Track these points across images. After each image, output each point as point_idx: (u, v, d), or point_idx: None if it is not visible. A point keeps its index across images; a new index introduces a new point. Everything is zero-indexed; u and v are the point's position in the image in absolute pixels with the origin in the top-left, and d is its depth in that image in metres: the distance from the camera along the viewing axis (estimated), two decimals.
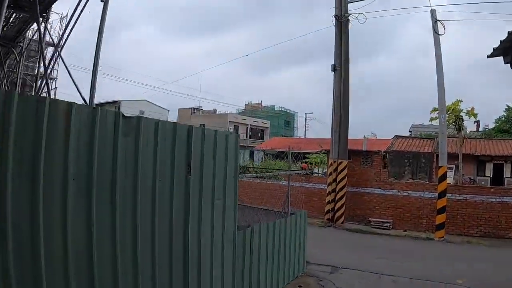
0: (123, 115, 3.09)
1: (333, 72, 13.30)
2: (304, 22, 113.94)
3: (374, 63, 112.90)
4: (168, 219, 3.55)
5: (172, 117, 56.44)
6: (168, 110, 59.80)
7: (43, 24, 13.21)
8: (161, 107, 58.30)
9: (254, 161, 35.87)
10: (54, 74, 24.97)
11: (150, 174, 3.35)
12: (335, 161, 13.49)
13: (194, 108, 55.92)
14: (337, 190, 13.24)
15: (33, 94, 24.78)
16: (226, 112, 54.59)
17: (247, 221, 8.02)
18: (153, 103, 57.28)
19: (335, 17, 13.28)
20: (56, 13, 24.89)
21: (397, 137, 26.00)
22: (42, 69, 25.41)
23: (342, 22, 13.19)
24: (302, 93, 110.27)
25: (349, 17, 13.18)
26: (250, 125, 52.13)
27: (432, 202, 12.24)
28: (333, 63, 13.20)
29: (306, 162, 16.30)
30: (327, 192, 13.65)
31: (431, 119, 17.76)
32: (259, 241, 5.43)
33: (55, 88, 24.45)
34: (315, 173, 15.92)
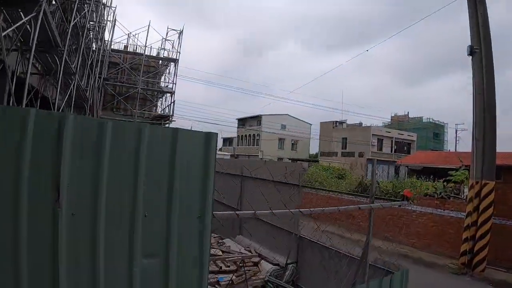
0: None
1: (470, 58, 9.58)
2: (452, 27, 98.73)
3: None
4: None
5: (315, 131, 55.42)
6: (311, 124, 59.15)
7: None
8: (303, 121, 57.97)
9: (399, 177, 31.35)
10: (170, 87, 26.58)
11: None
12: (477, 182, 9.61)
13: (336, 122, 53.63)
14: (478, 223, 9.32)
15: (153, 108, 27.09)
16: (371, 125, 50.51)
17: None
18: (295, 117, 57.39)
19: None
20: (174, 30, 26.78)
21: None
22: (161, 84, 27.71)
23: None
24: (453, 103, 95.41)
25: None
26: (395, 138, 46.75)
27: None
28: (470, 44, 9.48)
29: (450, 181, 12.45)
30: (465, 225, 9.81)
31: None
32: None
33: (174, 101, 25.77)
34: (456, 196, 11.90)
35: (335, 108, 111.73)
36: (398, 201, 9.87)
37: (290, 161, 42.05)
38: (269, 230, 7.68)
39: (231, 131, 60.23)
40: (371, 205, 3.84)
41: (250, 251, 7.61)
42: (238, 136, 61.02)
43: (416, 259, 10.44)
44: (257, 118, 55.95)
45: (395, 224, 12.62)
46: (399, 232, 11.92)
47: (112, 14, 24.11)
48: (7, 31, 6.37)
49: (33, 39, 6.49)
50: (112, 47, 25.41)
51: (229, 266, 5.96)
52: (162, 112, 27.16)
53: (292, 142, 55.35)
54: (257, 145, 54.13)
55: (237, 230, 9.80)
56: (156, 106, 28.36)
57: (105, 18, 21.33)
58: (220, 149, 58.27)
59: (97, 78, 20.19)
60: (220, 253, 6.78)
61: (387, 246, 8.42)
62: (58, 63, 7.67)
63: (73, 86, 10.16)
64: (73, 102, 10.42)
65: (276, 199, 7.98)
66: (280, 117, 54.99)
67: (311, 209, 3.31)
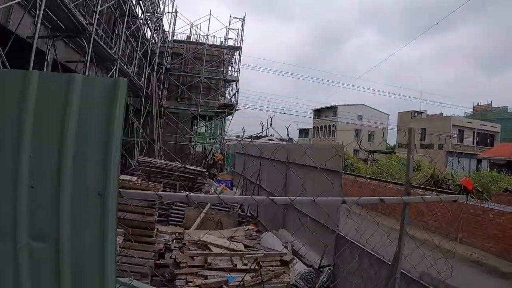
0: None
1: None
2: None
3: None
4: None
5: (393, 122, 52.47)
6: (388, 114, 56.27)
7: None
8: (380, 111, 55.30)
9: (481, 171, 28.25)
10: (235, 75, 26.28)
11: None
12: None
13: (415, 111, 50.12)
14: None
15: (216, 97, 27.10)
16: (451, 115, 46.29)
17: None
18: (371, 107, 55.17)
19: None
20: (237, 18, 26.32)
21: None
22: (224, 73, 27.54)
23: None
24: None
25: None
26: (477, 129, 42.12)
27: None
28: None
29: None
30: None
31: None
32: None
33: (238, 89, 25.51)
34: None
35: (414, 97, 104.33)
36: (453, 194, 8.35)
37: (366, 153, 40.12)
38: (309, 225, 6.85)
39: (307, 122, 59.79)
40: (402, 197, 2.86)
41: (286, 248, 6.85)
42: (314, 127, 60.17)
43: (490, 268, 8.82)
44: (332, 109, 54.81)
45: (469, 224, 10.91)
46: (463, 230, 10.21)
47: (171, 5, 24.45)
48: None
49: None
50: (175, 37, 25.86)
51: (246, 264, 5.27)
52: (228, 101, 27.12)
53: (369, 133, 52.79)
54: (333, 136, 52.69)
55: (281, 222, 9.09)
56: (223, 95, 28.44)
57: (162, 9, 21.60)
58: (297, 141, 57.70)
59: (156, 68, 20.60)
60: (242, 247, 6.12)
61: (453, 249, 7.08)
62: (86, 47, 7.55)
63: (115, 71, 10.18)
64: None
65: (319, 189, 7.12)
66: (356, 107, 53.34)
67: (355, 197, 2.49)
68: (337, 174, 6.07)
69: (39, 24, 6.29)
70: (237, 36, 26.55)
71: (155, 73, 20.73)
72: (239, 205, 11.17)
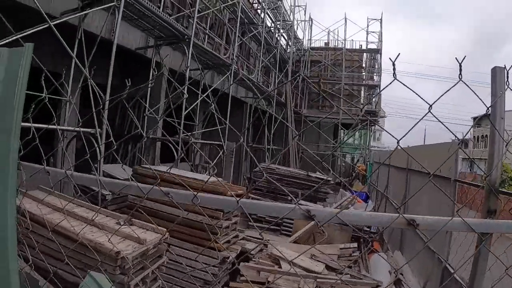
0: None
1: None
2: None
3: None
4: None
5: None
6: None
7: None
8: None
9: None
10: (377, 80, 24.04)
11: None
12: None
13: None
14: None
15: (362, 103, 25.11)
16: None
17: None
18: None
19: None
20: (374, 19, 23.99)
21: None
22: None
23: None
24: None
25: None
26: None
27: None
28: None
29: None
30: None
31: None
32: None
33: (380, 94, 23.32)
34: None
35: None
36: None
37: None
38: (419, 249, 5.33)
39: (464, 131, 51.20)
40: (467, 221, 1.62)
41: (390, 275, 5.48)
42: (474, 137, 51.26)
43: None
44: None
45: None
46: None
47: (302, 12, 24.13)
48: None
49: None
50: (312, 45, 25.48)
51: None
52: (369, 107, 25.28)
53: None
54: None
55: (398, 243, 7.52)
56: (367, 102, 26.69)
57: (292, 18, 21.41)
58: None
59: (289, 75, 20.55)
60: (322, 268, 5.00)
61: None
62: (187, 52, 7.76)
63: (230, 75, 10.34)
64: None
65: (429, 201, 5.55)
66: None
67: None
68: (447, 182, 4.50)
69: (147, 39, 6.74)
70: (378, 39, 24.55)
71: (289, 81, 20.73)
72: None
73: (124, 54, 7.80)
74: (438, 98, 1.33)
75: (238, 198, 1.32)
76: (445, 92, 1.42)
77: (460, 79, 1.31)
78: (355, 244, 7.12)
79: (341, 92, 24.39)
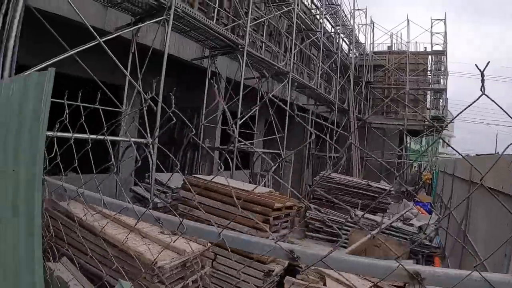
0: None
1: None
2: None
3: None
4: None
5: None
6: None
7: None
8: None
9: None
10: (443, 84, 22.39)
11: None
12: None
13: None
14: None
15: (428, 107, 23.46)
16: None
17: None
18: None
19: None
20: (438, 19, 22.29)
21: None
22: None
23: None
24: None
25: None
26: None
27: None
28: None
29: None
30: None
31: None
32: None
33: (447, 98, 21.65)
34: None
35: None
36: None
37: None
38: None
39: None
40: None
41: None
42: None
43: None
44: None
45: None
46: None
47: (363, 15, 23.35)
48: None
49: None
50: (375, 49, 24.51)
51: None
52: (436, 113, 23.67)
53: None
54: None
55: (459, 260, 6.86)
56: (434, 107, 25.07)
57: (352, 22, 20.76)
58: None
59: (352, 81, 19.95)
60: None
61: None
62: (241, 60, 7.87)
63: (288, 83, 10.31)
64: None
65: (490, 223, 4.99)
66: None
67: None
68: (508, 198, 3.98)
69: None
70: (443, 40, 22.92)
71: (351, 86, 20.11)
72: (422, 231, 9.21)
73: (182, 65, 8.14)
74: None
75: (220, 230, 1.26)
76: None
77: None
78: (438, 262, 6.63)
79: (406, 97, 23.13)
